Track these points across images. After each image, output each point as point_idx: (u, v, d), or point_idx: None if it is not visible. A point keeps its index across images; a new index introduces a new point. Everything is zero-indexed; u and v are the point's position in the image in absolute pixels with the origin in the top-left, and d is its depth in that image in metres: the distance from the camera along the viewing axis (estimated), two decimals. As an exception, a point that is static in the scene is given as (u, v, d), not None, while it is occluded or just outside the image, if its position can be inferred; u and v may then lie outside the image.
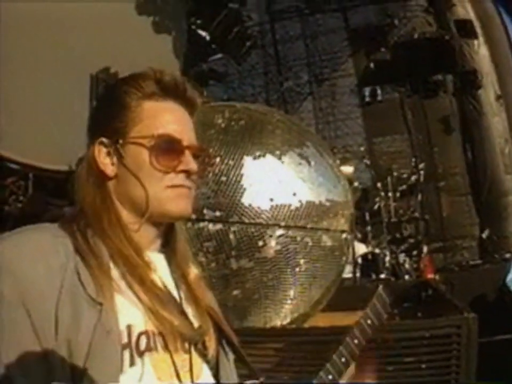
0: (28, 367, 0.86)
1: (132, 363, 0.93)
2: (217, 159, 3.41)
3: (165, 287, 1.05)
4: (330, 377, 1.41)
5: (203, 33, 10.62)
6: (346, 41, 13.12)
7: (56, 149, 6.69)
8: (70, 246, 0.96)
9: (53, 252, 0.93)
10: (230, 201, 3.40)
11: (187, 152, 1.06)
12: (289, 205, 3.47)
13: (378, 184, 10.61)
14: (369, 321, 1.50)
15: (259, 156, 3.53)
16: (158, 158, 1.03)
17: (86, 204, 1.03)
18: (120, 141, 1.04)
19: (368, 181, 11.51)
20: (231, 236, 3.37)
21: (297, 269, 3.48)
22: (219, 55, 11.69)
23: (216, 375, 1.09)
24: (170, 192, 1.04)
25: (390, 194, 10.47)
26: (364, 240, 9.67)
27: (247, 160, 3.49)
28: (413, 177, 10.83)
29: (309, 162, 3.67)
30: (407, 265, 9.35)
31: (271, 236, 3.41)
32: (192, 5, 10.43)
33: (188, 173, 1.06)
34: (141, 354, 0.95)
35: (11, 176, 6.44)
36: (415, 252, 10.05)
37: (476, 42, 10.96)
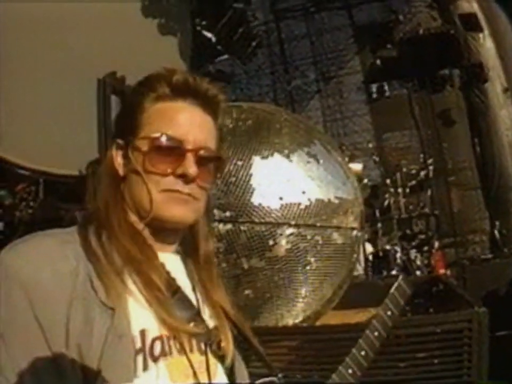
0: (38, 373, 0.86)
1: (145, 367, 0.93)
2: (226, 160, 3.41)
3: (180, 288, 1.04)
4: (350, 371, 1.38)
5: (208, 35, 10.61)
6: (352, 39, 13.14)
7: (56, 150, 6.70)
8: (80, 251, 0.95)
9: (61, 257, 0.92)
10: (240, 201, 3.40)
11: (189, 156, 1.01)
12: (299, 204, 3.47)
13: (388, 181, 10.62)
14: (389, 312, 1.45)
15: (267, 155, 3.53)
16: (152, 161, 1.00)
17: (101, 205, 1.03)
18: (130, 142, 1.03)
19: (377, 177, 11.53)
20: (242, 236, 3.39)
21: (308, 267, 3.48)
22: (225, 56, 11.66)
23: (230, 375, 1.08)
24: (164, 196, 1.00)
25: (399, 190, 10.45)
26: (374, 237, 9.66)
27: (256, 160, 3.50)
28: (422, 173, 10.80)
29: (317, 160, 3.67)
30: (418, 261, 9.34)
31: (281, 235, 3.41)
32: (197, 6, 10.42)
33: (186, 177, 1.00)
34: (155, 359, 0.94)
35: (21, 182, 6.46)
36: (426, 248, 10.02)
37: (481, 35, 10.92)
